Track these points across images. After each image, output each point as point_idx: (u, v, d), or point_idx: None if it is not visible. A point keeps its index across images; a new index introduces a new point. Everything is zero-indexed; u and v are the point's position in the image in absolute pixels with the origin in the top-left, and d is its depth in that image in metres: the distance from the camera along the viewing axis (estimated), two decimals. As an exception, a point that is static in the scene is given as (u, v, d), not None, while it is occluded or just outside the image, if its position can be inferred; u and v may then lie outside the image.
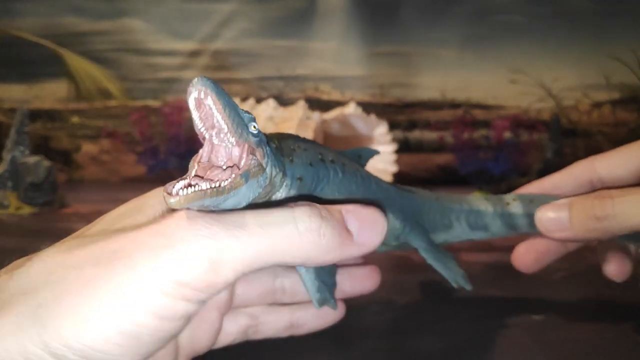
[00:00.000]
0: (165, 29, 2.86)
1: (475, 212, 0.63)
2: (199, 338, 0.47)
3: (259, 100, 2.03)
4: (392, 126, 2.12)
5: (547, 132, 2.26)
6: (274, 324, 0.53)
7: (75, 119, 2.90)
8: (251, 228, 0.35)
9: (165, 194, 0.34)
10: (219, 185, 0.35)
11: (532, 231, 0.62)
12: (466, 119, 2.60)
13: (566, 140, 2.47)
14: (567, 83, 2.75)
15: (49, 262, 0.35)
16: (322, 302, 0.50)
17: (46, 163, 1.93)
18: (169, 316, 0.33)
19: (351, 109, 2.00)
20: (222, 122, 0.36)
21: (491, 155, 2.28)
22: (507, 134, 2.31)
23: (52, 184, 1.99)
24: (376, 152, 0.60)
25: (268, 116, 2.02)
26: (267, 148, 0.40)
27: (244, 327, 0.52)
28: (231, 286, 0.49)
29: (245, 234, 0.34)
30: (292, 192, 0.44)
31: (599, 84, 2.73)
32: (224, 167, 0.39)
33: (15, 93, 2.85)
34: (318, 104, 2.47)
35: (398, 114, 2.83)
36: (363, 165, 0.57)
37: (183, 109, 2.32)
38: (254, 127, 0.38)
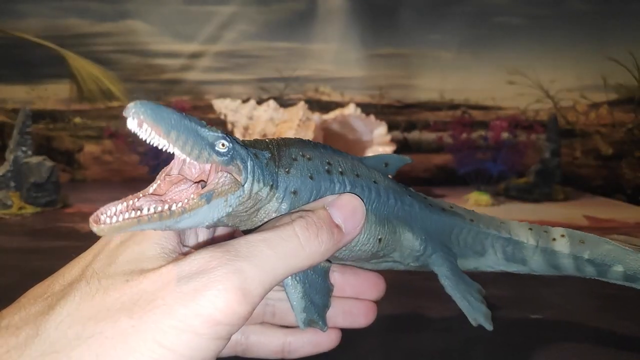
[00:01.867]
0: (167, 30, 2.88)
1: (514, 243, 0.57)
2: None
3: (259, 102, 2.05)
4: (391, 127, 2.14)
5: (545, 133, 2.27)
6: (265, 345, 0.52)
7: (77, 120, 2.92)
8: (265, 253, 0.37)
9: (90, 220, 0.33)
10: (167, 209, 0.34)
11: (578, 274, 0.57)
12: (464, 120, 2.61)
13: (564, 140, 2.48)
14: (564, 84, 2.77)
15: (75, 316, 0.34)
16: (308, 323, 0.47)
17: (49, 163, 1.95)
18: (204, 357, 0.34)
19: (351, 110, 2.02)
20: (170, 148, 0.34)
21: (489, 155, 2.30)
22: (505, 135, 2.32)
23: (54, 184, 2.01)
24: (406, 161, 0.55)
25: (268, 117, 2.04)
26: (251, 162, 0.39)
27: (232, 343, 0.50)
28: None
29: (263, 261, 0.36)
30: (284, 207, 0.43)
31: (597, 85, 2.74)
32: (195, 181, 0.38)
33: (18, 94, 2.87)
34: (318, 105, 2.49)
35: (397, 114, 2.84)
36: (391, 173, 0.54)
37: (185, 109, 2.34)
38: (223, 144, 0.37)
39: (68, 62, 2.88)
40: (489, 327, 0.52)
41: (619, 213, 1.92)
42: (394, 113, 2.83)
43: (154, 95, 2.86)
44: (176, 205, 0.35)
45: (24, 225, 1.64)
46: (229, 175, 0.38)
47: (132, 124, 0.32)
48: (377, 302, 0.54)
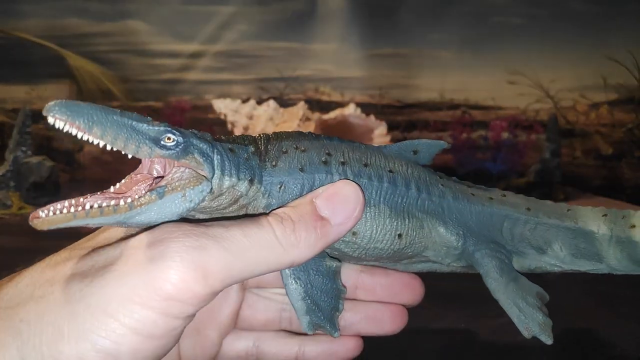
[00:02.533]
0: (167, 30, 2.87)
1: (583, 234, 0.48)
2: (197, 355, 0.46)
3: (259, 102, 2.05)
4: (391, 127, 2.14)
5: (545, 133, 2.26)
6: (277, 355, 0.49)
7: (77, 120, 2.92)
8: (238, 239, 0.35)
9: (30, 215, 0.33)
10: (112, 204, 0.34)
11: None
12: (464, 120, 2.62)
13: (564, 140, 2.48)
14: (564, 84, 2.76)
15: (35, 277, 0.34)
16: (313, 327, 0.44)
17: (49, 163, 1.95)
18: (152, 333, 0.32)
19: (351, 109, 2.02)
20: (100, 143, 0.34)
21: (489, 155, 2.30)
22: (505, 135, 2.33)
23: (54, 184, 2.01)
24: (440, 145, 0.48)
25: (268, 117, 2.03)
26: (219, 156, 0.38)
27: (244, 351, 0.49)
28: (234, 307, 0.46)
29: (233, 245, 0.34)
30: (273, 202, 0.41)
31: (597, 84, 2.74)
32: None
33: (18, 94, 2.87)
34: (318, 105, 2.49)
35: (397, 114, 2.84)
36: (423, 161, 0.48)
37: (184, 110, 2.34)
38: (169, 138, 0.36)
39: (68, 62, 2.88)
40: (546, 339, 0.45)
41: (619, 213, 1.91)
42: (394, 113, 2.83)
43: (153, 95, 2.86)
44: (124, 201, 0.34)
45: (23, 225, 1.64)
46: (187, 170, 0.37)
47: (52, 122, 0.33)
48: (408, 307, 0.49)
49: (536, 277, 0.48)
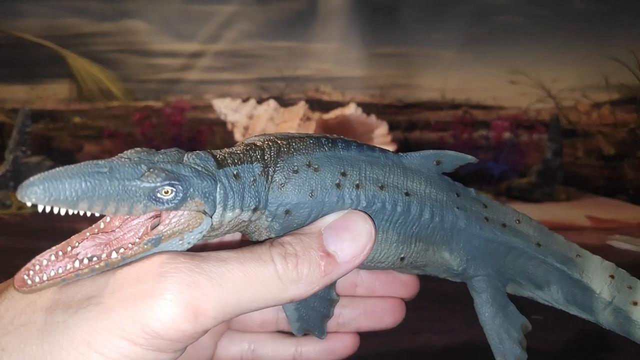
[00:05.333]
0: (167, 30, 2.87)
1: (584, 288, 0.46)
2: (191, 359, 0.43)
3: (260, 101, 2.04)
4: (392, 127, 2.13)
5: (547, 133, 2.26)
6: (275, 356, 0.48)
7: (77, 120, 2.91)
8: (235, 275, 0.32)
9: (15, 280, 0.31)
10: (103, 258, 0.32)
11: None
12: (466, 120, 2.61)
13: (566, 140, 2.47)
14: (566, 84, 2.76)
15: (18, 302, 0.32)
16: (302, 332, 0.43)
17: (48, 163, 1.94)
18: None
19: (351, 109, 2.02)
20: (88, 213, 0.31)
21: (491, 155, 2.29)
22: (507, 135, 2.32)
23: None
24: (466, 159, 0.47)
25: (269, 117, 2.03)
26: (222, 191, 0.35)
27: (239, 355, 0.48)
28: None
29: (229, 282, 0.32)
30: (276, 226, 0.38)
31: (599, 84, 2.73)
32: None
33: (18, 94, 2.86)
34: (319, 105, 2.48)
35: (398, 114, 2.84)
36: (445, 170, 0.46)
37: (184, 109, 2.33)
38: (167, 191, 0.33)
39: (68, 62, 2.87)
40: None
41: (621, 213, 1.91)
42: (395, 113, 2.82)
43: (153, 94, 2.85)
44: (116, 253, 0.32)
45: (23, 225, 1.63)
46: (185, 212, 0.34)
47: (30, 205, 0.30)
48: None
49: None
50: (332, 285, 0.42)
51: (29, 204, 0.30)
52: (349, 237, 0.37)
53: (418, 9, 2.77)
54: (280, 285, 0.34)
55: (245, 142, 0.40)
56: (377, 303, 0.48)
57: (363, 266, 0.43)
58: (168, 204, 0.33)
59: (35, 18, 2.86)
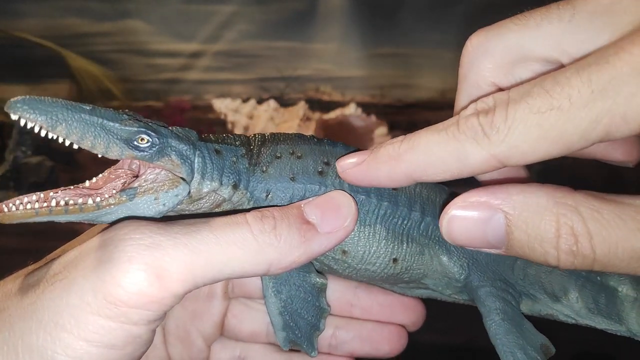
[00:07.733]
0: (167, 30, 2.87)
1: (604, 289, 0.42)
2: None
3: (260, 101, 2.04)
4: (392, 127, 2.13)
5: (547, 133, 2.26)
6: None
7: (77, 120, 2.91)
8: (202, 234, 0.31)
9: None
10: (79, 203, 0.33)
11: None
12: (466, 120, 2.61)
13: (565, 140, 2.46)
14: (566, 83, 2.76)
15: None
16: (288, 344, 0.42)
17: (48, 163, 1.95)
18: (112, 344, 0.29)
19: (352, 109, 2.02)
20: (66, 141, 0.33)
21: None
22: (507, 135, 2.32)
23: (54, 185, 1.99)
24: None
25: (269, 117, 2.03)
26: (200, 159, 0.36)
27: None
28: (218, 316, 0.44)
29: (195, 241, 0.31)
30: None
31: (598, 84, 2.73)
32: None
33: (18, 94, 2.84)
34: (319, 105, 2.48)
35: (398, 114, 2.83)
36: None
37: (184, 109, 2.33)
38: (143, 139, 0.34)
39: (67, 61, 2.87)
40: None
41: (621, 213, 1.91)
42: (395, 113, 2.82)
43: (153, 94, 2.85)
44: (92, 200, 0.34)
45: (22, 226, 1.64)
46: (163, 172, 0.35)
47: (16, 119, 0.32)
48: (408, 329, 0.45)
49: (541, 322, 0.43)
50: (321, 292, 0.41)
51: (14, 117, 0.32)
52: (330, 207, 0.36)
53: (417, 9, 2.77)
54: (255, 246, 0.32)
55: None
56: (374, 328, 0.45)
57: (356, 275, 0.41)
58: (143, 151, 0.35)
59: (35, 18, 2.86)
